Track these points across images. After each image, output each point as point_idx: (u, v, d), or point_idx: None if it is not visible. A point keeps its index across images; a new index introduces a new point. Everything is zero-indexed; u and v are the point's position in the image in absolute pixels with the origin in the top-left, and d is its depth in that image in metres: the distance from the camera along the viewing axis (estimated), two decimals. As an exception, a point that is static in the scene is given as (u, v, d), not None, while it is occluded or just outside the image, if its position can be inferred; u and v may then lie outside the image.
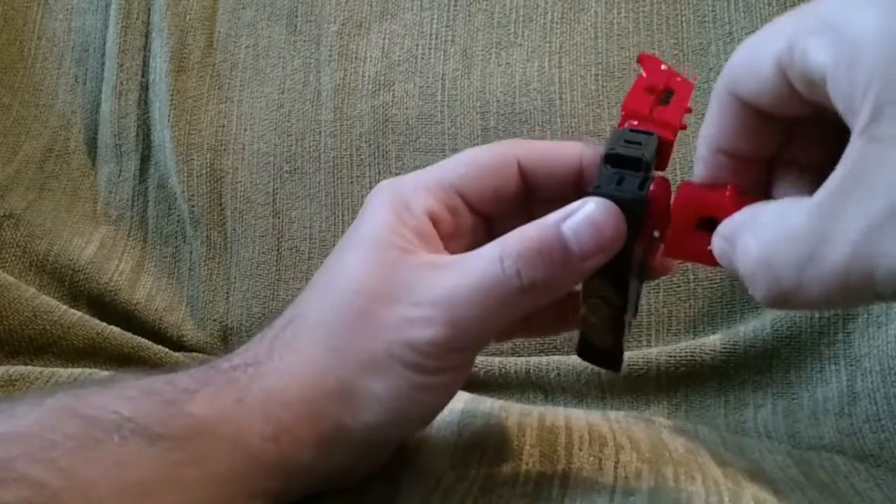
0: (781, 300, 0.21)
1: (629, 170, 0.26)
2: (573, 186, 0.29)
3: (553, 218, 0.26)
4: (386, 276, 0.27)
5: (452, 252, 0.28)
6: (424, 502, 0.29)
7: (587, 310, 0.29)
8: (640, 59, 0.29)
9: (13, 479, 0.22)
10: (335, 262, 0.29)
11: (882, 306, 0.40)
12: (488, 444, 0.32)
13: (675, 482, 0.29)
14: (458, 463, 0.31)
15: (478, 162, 0.29)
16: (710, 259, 0.25)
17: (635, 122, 0.28)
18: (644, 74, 0.29)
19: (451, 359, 0.26)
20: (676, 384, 0.44)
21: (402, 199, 0.28)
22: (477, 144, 0.49)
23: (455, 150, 0.50)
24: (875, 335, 0.40)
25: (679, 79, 0.29)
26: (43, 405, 0.25)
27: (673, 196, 0.26)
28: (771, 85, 0.22)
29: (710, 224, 0.25)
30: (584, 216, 0.25)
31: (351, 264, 0.28)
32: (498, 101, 0.49)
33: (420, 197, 0.28)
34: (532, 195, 0.29)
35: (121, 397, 0.25)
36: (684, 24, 0.48)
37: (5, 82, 0.56)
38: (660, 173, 0.27)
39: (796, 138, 0.25)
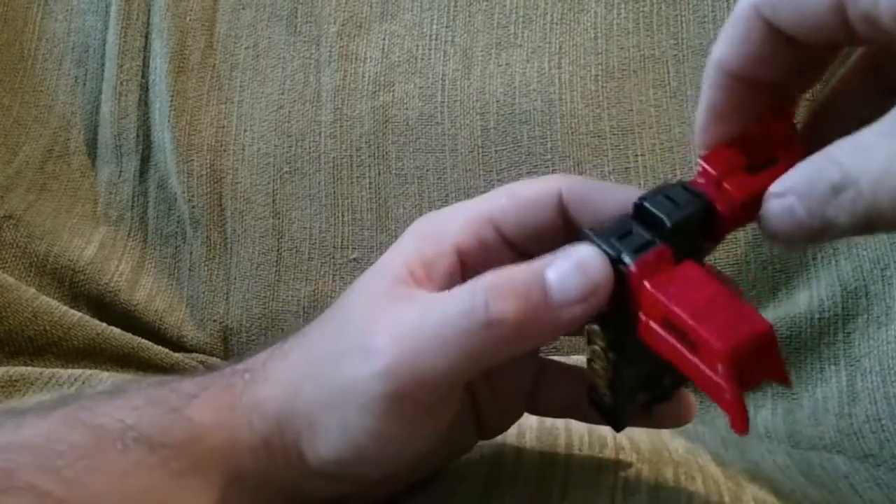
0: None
1: (650, 228, 0.23)
2: None
3: (538, 261, 0.24)
4: (366, 306, 0.26)
5: None
6: (424, 503, 0.29)
7: (590, 354, 0.26)
8: (767, 113, 0.24)
9: (19, 489, 0.22)
10: (351, 289, 0.28)
11: (882, 306, 0.40)
12: (488, 444, 0.32)
13: (675, 482, 0.29)
14: (457, 463, 0.31)
15: (518, 196, 0.27)
16: (682, 365, 0.22)
17: (701, 181, 0.24)
18: (756, 126, 0.24)
19: (407, 405, 0.24)
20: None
21: (432, 230, 0.27)
22: (477, 145, 0.49)
23: (455, 151, 0.50)
24: (875, 335, 0.40)
25: (795, 151, 0.23)
26: (50, 416, 0.25)
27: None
28: (823, 18, 0.20)
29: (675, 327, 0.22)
30: (572, 259, 0.23)
31: (356, 288, 0.27)
32: (498, 101, 0.49)
33: (452, 229, 0.27)
34: (573, 233, 0.27)
35: (126, 406, 0.25)
36: (684, 24, 0.48)
37: (5, 83, 0.56)
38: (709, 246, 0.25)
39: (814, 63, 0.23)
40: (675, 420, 0.29)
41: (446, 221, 0.27)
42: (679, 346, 0.22)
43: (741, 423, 0.21)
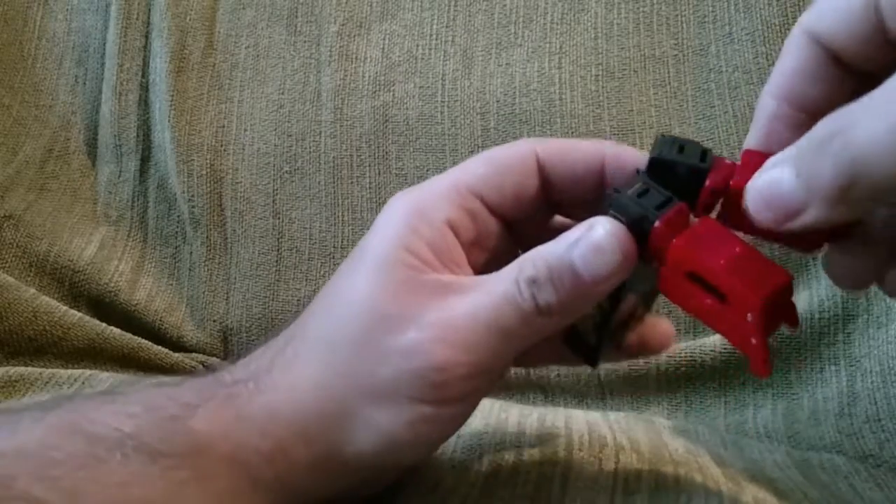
0: None
1: (663, 181, 0.25)
2: (595, 186, 0.28)
3: (564, 242, 0.25)
4: (396, 299, 0.25)
5: (475, 260, 0.27)
6: (424, 503, 0.29)
7: None
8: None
9: (15, 498, 0.21)
10: (344, 277, 0.27)
11: (882, 306, 0.40)
12: (488, 444, 0.32)
13: (675, 482, 0.29)
14: (457, 463, 0.31)
15: (496, 161, 0.28)
16: (703, 314, 0.23)
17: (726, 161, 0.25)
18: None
19: (462, 388, 0.25)
20: (676, 384, 0.44)
21: (418, 208, 0.27)
22: (477, 145, 0.49)
23: (455, 151, 0.50)
24: (875, 335, 0.40)
25: None
26: (45, 420, 0.24)
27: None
28: (859, 24, 0.21)
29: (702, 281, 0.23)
30: (591, 243, 0.24)
31: (359, 283, 0.26)
32: (498, 101, 0.49)
33: (438, 204, 0.27)
34: (553, 196, 0.28)
35: (123, 413, 0.25)
36: (684, 24, 0.48)
37: (5, 83, 0.56)
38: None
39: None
40: (654, 347, 0.30)
41: (430, 197, 0.27)
42: (705, 297, 0.23)
43: (764, 365, 0.23)
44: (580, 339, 0.29)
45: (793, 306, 0.24)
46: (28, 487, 0.22)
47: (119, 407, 0.25)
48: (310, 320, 0.27)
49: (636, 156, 0.27)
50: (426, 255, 0.26)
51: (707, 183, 0.25)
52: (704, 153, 0.25)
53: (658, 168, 0.25)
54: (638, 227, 0.24)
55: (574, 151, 0.28)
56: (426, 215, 0.26)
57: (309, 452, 0.25)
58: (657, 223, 0.24)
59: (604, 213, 0.25)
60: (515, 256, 0.26)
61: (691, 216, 0.25)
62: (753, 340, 0.23)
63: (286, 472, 0.25)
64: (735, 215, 0.24)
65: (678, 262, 0.24)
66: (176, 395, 0.26)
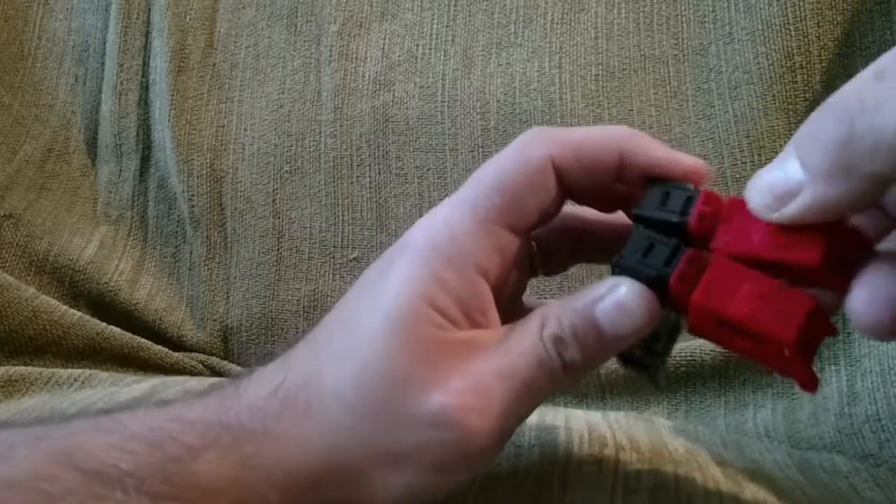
0: None
1: (661, 232, 0.24)
2: (611, 178, 0.26)
3: (587, 299, 0.25)
4: (419, 361, 0.24)
5: (499, 293, 0.26)
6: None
7: None
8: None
9: None
10: (359, 322, 0.25)
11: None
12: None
13: (675, 482, 0.29)
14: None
15: (514, 184, 0.26)
16: (743, 353, 0.23)
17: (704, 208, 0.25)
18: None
19: (490, 455, 0.24)
20: (676, 384, 0.44)
21: (445, 254, 0.25)
22: (477, 145, 0.49)
23: (455, 150, 0.50)
24: (875, 335, 0.40)
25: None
26: (38, 450, 0.23)
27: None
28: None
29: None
30: (615, 302, 0.24)
31: (377, 339, 0.24)
32: (498, 101, 0.49)
33: (468, 248, 0.25)
34: (568, 190, 0.27)
35: (122, 449, 0.24)
36: (684, 24, 0.48)
37: (5, 82, 0.56)
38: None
39: None
40: None
41: (458, 240, 0.25)
42: (740, 340, 0.23)
43: (812, 384, 0.23)
44: (634, 360, 0.28)
45: (825, 317, 0.24)
46: None
47: (117, 440, 0.24)
48: (325, 367, 0.25)
49: (651, 144, 0.26)
50: (452, 313, 0.25)
51: (693, 228, 0.24)
52: (689, 200, 0.25)
53: (645, 221, 0.25)
54: (654, 285, 0.24)
55: (589, 147, 0.26)
56: (454, 262, 0.25)
57: (320, 502, 0.25)
58: (671, 281, 0.24)
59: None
60: (531, 259, 0.26)
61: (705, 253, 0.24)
62: (797, 368, 0.23)
63: None
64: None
65: (702, 316, 0.24)
66: (177, 432, 0.25)
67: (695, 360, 0.43)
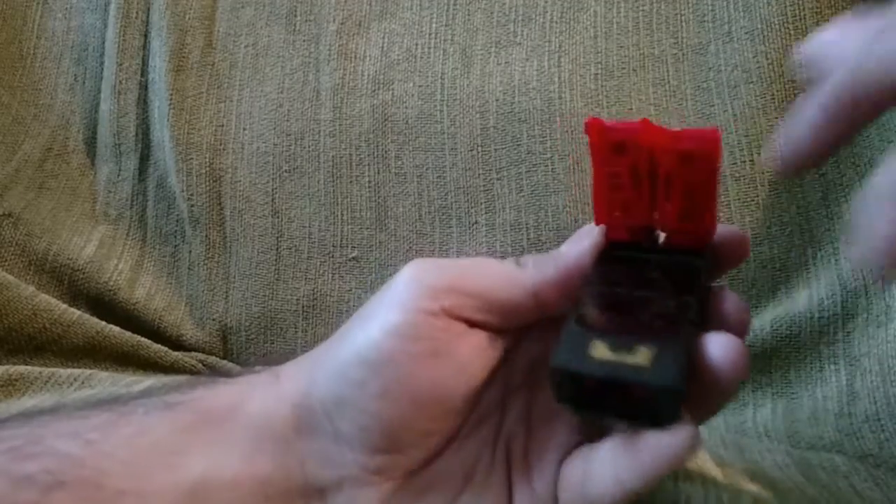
0: None
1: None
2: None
3: None
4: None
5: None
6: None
7: None
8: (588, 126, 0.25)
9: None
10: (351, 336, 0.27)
11: (882, 305, 0.40)
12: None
13: (675, 482, 0.29)
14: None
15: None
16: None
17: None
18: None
19: None
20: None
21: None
22: (476, 144, 0.49)
23: (454, 150, 0.50)
24: (875, 335, 0.40)
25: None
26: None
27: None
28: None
29: None
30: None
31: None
32: (497, 100, 0.49)
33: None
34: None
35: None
36: (684, 23, 0.48)
37: (4, 81, 0.56)
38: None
39: None
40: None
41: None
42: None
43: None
44: None
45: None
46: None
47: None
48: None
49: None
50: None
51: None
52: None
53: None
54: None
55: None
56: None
57: None
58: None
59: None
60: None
61: None
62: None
63: None
64: None
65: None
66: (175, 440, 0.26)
67: (694, 360, 0.43)
